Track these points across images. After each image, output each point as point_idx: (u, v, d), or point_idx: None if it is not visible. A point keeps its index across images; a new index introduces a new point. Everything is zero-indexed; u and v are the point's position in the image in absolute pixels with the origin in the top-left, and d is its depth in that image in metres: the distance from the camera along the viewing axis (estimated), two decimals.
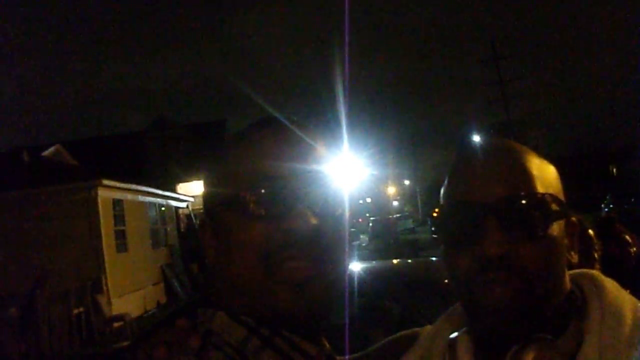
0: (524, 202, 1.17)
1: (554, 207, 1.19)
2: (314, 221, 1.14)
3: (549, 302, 1.17)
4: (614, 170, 54.15)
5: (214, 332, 1.15)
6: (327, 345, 1.28)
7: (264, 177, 1.17)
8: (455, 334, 1.32)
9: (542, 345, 1.14)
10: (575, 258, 1.27)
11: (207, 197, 1.30)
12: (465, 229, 1.19)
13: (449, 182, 1.30)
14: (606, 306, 1.18)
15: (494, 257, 1.13)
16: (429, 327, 1.47)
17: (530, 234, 1.15)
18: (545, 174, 1.24)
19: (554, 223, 1.18)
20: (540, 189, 1.19)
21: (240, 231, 1.17)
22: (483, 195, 1.18)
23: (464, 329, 1.31)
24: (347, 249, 1.25)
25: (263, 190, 1.16)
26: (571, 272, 1.28)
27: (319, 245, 1.16)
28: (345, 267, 1.25)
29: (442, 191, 1.33)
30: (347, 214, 1.25)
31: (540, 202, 1.18)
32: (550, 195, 1.20)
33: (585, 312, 1.20)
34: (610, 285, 1.24)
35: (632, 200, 28.11)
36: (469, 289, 1.19)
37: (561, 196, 1.24)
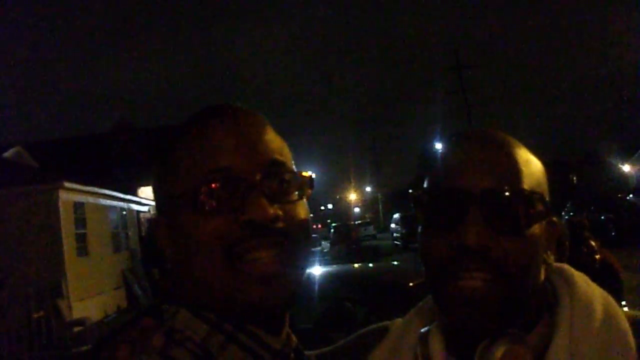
0: (509, 197, 1.14)
1: (538, 206, 1.17)
2: (271, 210, 1.11)
3: (522, 298, 1.15)
4: (574, 178, 54.69)
5: (177, 330, 1.12)
6: (294, 339, 1.27)
7: (215, 170, 1.14)
8: (426, 328, 1.31)
9: (512, 340, 1.12)
10: (551, 259, 1.24)
11: (158, 194, 1.26)
12: (447, 215, 1.17)
13: (436, 167, 1.26)
14: (576, 300, 1.18)
15: (471, 247, 1.11)
16: (399, 321, 1.45)
17: (511, 229, 1.14)
18: (533, 171, 1.21)
19: (536, 222, 1.17)
20: (527, 186, 1.17)
21: (197, 228, 1.13)
22: (468, 183, 1.16)
23: (435, 322, 1.29)
24: (310, 235, 1.24)
25: (214, 184, 1.13)
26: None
27: (280, 233, 1.13)
28: (310, 255, 1.24)
29: (427, 176, 1.29)
30: (305, 200, 1.23)
31: (525, 199, 1.16)
32: (536, 194, 1.18)
33: (556, 306, 1.19)
34: (581, 279, 1.24)
35: (592, 208, 28.40)
36: (441, 276, 1.17)
37: (546, 195, 1.22)
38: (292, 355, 1.24)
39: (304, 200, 1.23)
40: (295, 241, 1.16)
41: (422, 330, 1.32)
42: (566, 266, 1.30)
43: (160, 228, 1.23)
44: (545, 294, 1.24)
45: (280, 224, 1.14)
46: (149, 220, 30.76)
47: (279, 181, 1.18)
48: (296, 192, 1.21)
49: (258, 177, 1.14)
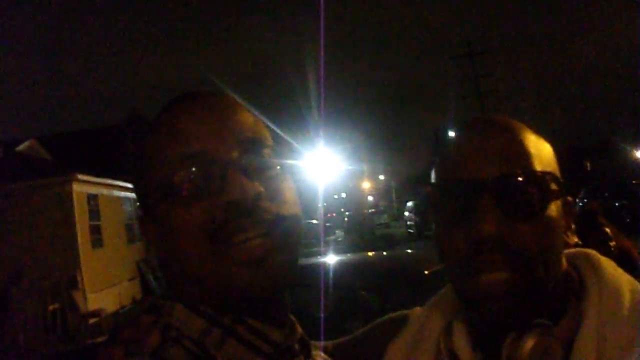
0: (521, 180, 1.11)
1: (553, 186, 1.14)
2: (251, 186, 1.04)
3: (547, 285, 1.12)
4: (588, 165, 54.56)
5: (173, 326, 1.08)
6: (299, 329, 1.22)
7: (188, 155, 1.07)
8: (449, 320, 1.28)
9: (540, 331, 1.09)
10: (572, 239, 1.21)
11: (137, 190, 1.20)
12: (459, 207, 1.13)
13: (442, 159, 1.23)
14: (604, 286, 1.15)
15: (489, 237, 1.07)
16: (418, 310, 1.42)
17: (528, 214, 1.10)
18: (542, 152, 1.18)
19: (552, 203, 1.13)
20: (538, 167, 1.14)
21: (177, 218, 1.07)
22: (478, 172, 1.12)
23: (459, 315, 1.26)
24: (299, 212, 1.16)
25: (189, 169, 1.06)
26: (566, 251, 1.22)
27: (265, 210, 1.06)
28: (301, 233, 1.16)
29: (434, 168, 1.25)
30: (288, 171, 1.17)
31: (538, 180, 1.12)
32: (549, 174, 1.15)
33: (583, 293, 1.17)
34: (607, 264, 1.21)
35: (606, 194, 28.31)
36: (462, 272, 1.13)
37: (559, 175, 1.18)
38: (297, 346, 1.18)
39: (289, 175, 1.17)
40: (283, 219, 1.09)
41: (445, 323, 1.27)
42: (592, 251, 1.26)
43: (146, 224, 1.17)
44: (571, 280, 1.19)
45: (264, 202, 1.07)
46: None
47: (257, 157, 1.11)
48: (278, 167, 1.14)
49: (234, 154, 1.07)
